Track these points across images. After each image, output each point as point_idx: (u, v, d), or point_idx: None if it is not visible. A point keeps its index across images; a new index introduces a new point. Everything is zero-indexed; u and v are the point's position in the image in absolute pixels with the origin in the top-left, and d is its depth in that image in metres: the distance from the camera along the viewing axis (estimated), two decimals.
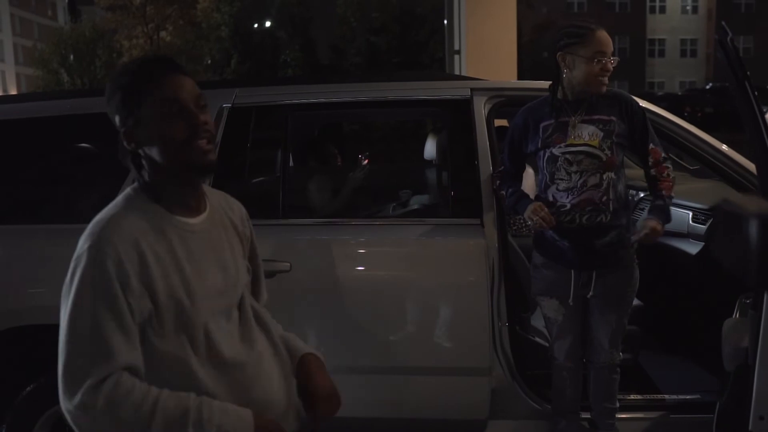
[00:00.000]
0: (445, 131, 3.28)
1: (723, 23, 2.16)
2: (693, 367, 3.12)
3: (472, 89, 2.75)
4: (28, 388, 2.63)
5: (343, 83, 3.10)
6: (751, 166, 2.46)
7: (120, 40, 33.31)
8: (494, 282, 2.55)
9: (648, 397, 2.76)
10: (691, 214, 3.14)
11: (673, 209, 3.26)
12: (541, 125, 2.47)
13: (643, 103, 2.55)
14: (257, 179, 3.05)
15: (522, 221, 3.53)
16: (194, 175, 1.37)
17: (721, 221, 2.37)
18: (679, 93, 27.76)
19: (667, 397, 2.74)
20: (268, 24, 32.52)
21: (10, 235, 2.71)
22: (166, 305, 1.30)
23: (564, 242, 2.47)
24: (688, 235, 3.10)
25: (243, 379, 1.37)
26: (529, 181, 3.31)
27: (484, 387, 2.57)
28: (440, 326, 2.61)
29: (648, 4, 43.64)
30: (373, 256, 2.70)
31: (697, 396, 2.70)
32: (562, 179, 2.43)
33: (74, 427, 1.26)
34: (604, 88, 2.42)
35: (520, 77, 7.43)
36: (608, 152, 2.40)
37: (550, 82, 2.53)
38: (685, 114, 17.85)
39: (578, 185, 2.41)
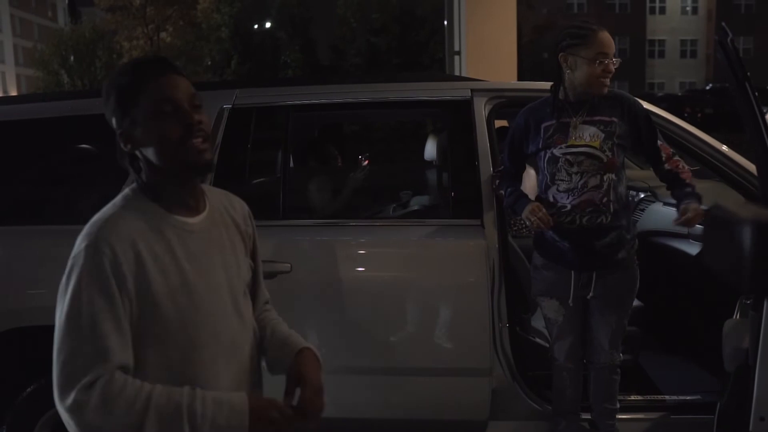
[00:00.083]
0: (445, 132, 3.29)
1: (723, 24, 2.16)
2: (693, 368, 3.12)
3: (472, 90, 2.75)
4: (29, 389, 2.63)
5: (343, 84, 3.11)
6: (752, 167, 2.46)
7: (120, 41, 33.32)
8: (494, 283, 2.55)
9: (648, 397, 2.76)
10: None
11: (673, 210, 3.27)
12: (543, 126, 2.47)
13: (644, 105, 2.55)
14: (258, 180, 3.05)
15: (521, 222, 3.53)
16: (191, 175, 1.37)
17: (712, 227, 2.35)
18: (679, 94, 27.77)
19: (667, 397, 2.74)
20: (268, 25, 32.56)
21: (11, 235, 2.71)
22: (164, 305, 1.30)
23: (564, 243, 2.47)
24: (688, 235, 3.10)
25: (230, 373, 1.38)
26: (530, 182, 3.31)
27: (484, 387, 2.57)
28: (441, 327, 2.61)
29: (648, 4, 43.66)
30: (373, 257, 2.70)
31: (698, 397, 2.69)
32: (562, 180, 2.43)
33: (68, 427, 1.26)
34: (606, 90, 2.42)
35: (520, 78, 7.43)
36: (609, 153, 2.40)
37: (551, 83, 2.53)
38: (685, 115, 17.85)
39: (579, 186, 2.41)
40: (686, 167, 2.50)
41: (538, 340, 2.95)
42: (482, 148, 2.67)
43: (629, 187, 2.78)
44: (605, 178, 2.40)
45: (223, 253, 1.44)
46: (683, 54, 44.88)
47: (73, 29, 32.50)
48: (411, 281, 2.63)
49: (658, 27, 43.93)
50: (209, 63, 31.56)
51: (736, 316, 2.36)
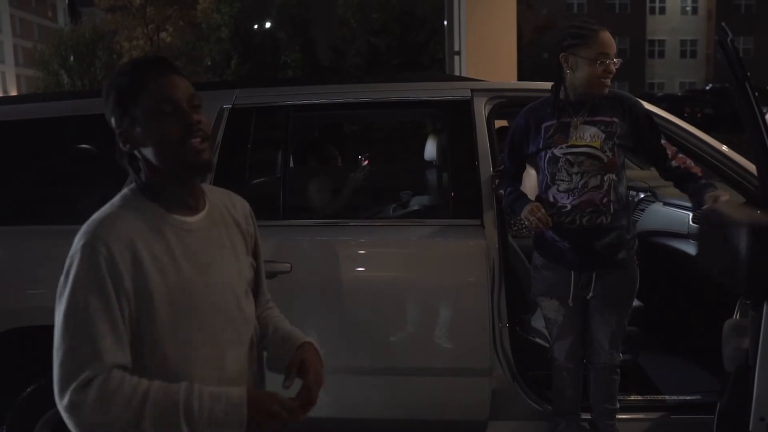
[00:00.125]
0: (445, 132, 3.29)
1: (723, 24, 2.16)
2: (693, 368, 3.12)
3: (472, 90, 2.75)
4: (29, 389, 2.63)
5: (343, 84, 3.11)
6: (751, 167, 2.46)
7: (120, 41, 33.31)
8: (494, 283, 2.55)
9: (648, 397, 2.76)
10: (691, 215, 3.14)
11: (673, 210, 3.28)
12: (543, 126, 2.47)
13: (645, 105, 2.55)
14: (258, 180, 3.05)
15: (521, 222, 3.53)
16: (190, 175, 1.37)
17: (708, 229, 2.34)
18: (679, 94, 27.76)
19: (667, 397, 2.74)
20: (268, 25, 32.56)
21: (10, 235, 2.71)
22: (162, 304, 1.30)
23: (564, 243, 2.47)
24: (688, 235, 3.11)
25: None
26: (531, 182, 3.32)
27: (484, 388, 2.57)
28: (441, 327, 2.61)
29: (648, 4, 43.66)
30: (373, 257, 2.70)
31: (698, 397, 2.70)
32: (563, 180, 2.43)
33: (69, 426, 1.27)
34: (607, 90, 2.42)
35: (520, 78, 7.43)
36: (609, 154, 2.40)
37: (551, 83, 2.53)
38: (685, 115, 17.85)
39: (579, 186, 2.41)
40: (693, 163, 2.51)
41: (538, 340, 2.95)
42: (482, 148, 2.67)
43: (629, 188, 2.78)
44: (606, 178, 2.40)
45: (223, 252, 1.44)
46: (683, 54, 44.88)
47: (73, 29, 32.49)
48: (411, 281, 2.63)
49: (658, 27, 43.93)
50: (209, 63, 31.56)
51: (736, 316, 2.36)
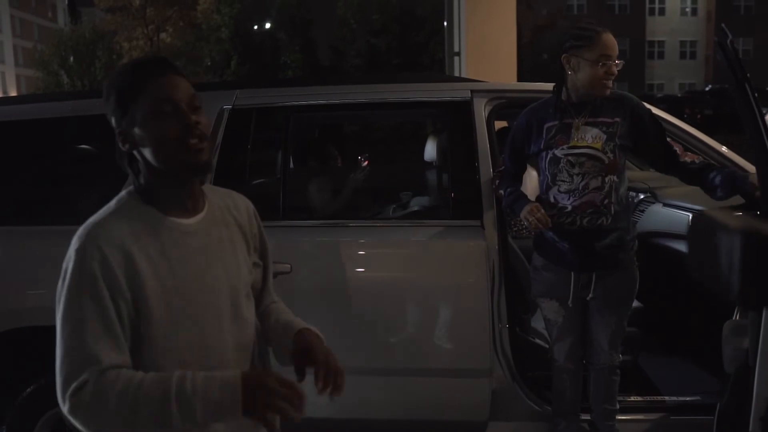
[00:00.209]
0: (445, 133, 3.29)
1: (723, 25, 2.16)
2: (693, 369, 3.12)
3: (472, 91, 2.75)
4: (29, 389, 2.63)
5: (343, 85, 3.11)
6: (752, 168, 2.46)
7: (120, 41, 33.29)
8: (494, 283, 2.55)
9: (648, 398, 2.76)
10: (690, 215, 3.14)
11: (673, 211, 3.28)
12: (545, 126, 2.47)
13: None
14: (258, 180, 3.05)
15: (521, 222, 3.53)
16: (189, 175, 1.37)
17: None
18: (679, 95, 27.76)
19: (667, 398, 2.74)
20: (268, 25, 32.56)
21: (10, 235, 2.71)
22: (157, 307, 1.30)
23: (564, 244, 2.47)
24: (687, 236, 3.10)
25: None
26: (532, 182, 3.32)
27: (484, 388, 2.57)
28: (440, 328, 2.61)
29: (647, 5, 43.66)
30: (373, 258, 2.70)
31: (697, 397, 2.70)
32: (563, 181, 2.43)
33: (78, 427, 1.27)
34: (608, 91, 2.42)
35: (519, 79, 7.42)
36: (611, 155, 2.40)
37: (552, 84, 2.53)
38: (685, 116, 17.83)
39: (580, 187, 2.41)
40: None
41: (537, 340, 2.95)
42: (482, 148, 2.67)
43: (629, 188, 2.78)
44: (607, 179, 2.40)
45: (222, 253, 1.43)
46: (683, 55, 44.88)
47: (73, 30, 32.46)
48: (411, 282, 2.63)
49: (657, 28, 43.94)
50: (209, 64, 31.56)
51: (736, 316, 2.36)
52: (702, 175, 2.46)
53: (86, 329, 1.23)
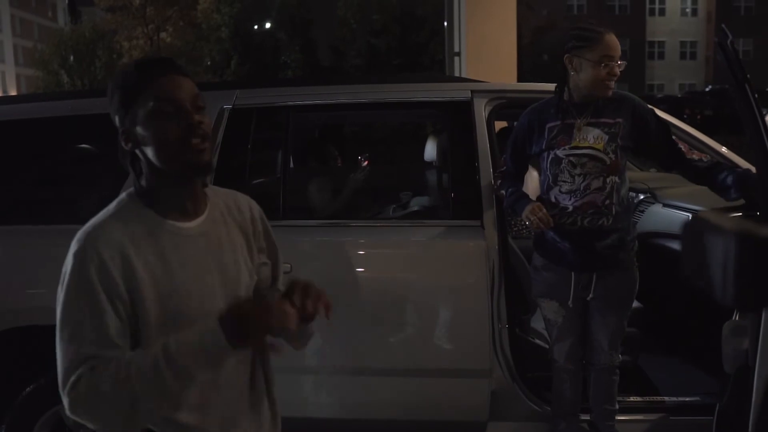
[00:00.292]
0: (445, 133, 3.29)
1: (723, 26, 2.16)
2: (693, 369, 3.12)
3: (472, 91, 2.75)
4: (28, 389, 2.63)
5: (343, 85, 3.11)
6: (751, 169, 2.46)
7: (120, 41, 33.30)
8: (494, 284, 2.55)
9: (648, 399, 2.76)
10: (690, 216, 3.14)
11: (672, 211, 3.28)
12: (547, 126, 2.47)
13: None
14: (258, 180, 3.05)
15: (522, 222, 3.53)
16: (191, 175, 1.36)
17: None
18: (679, 95, 27.75)
19: (666, 399, 2.74)
20: (268, 25, 32.55)
21: (10, 235, 2.71)
22: (155, 310, 1.29)
23: (565, 244, 2.47)
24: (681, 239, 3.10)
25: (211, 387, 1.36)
26: (533, 183, 3.31)
27: (484, 389, 2.57)
28: (440, 328, 2.61)
29: (648, 6, 43.68)
30: (373, 258, 2.70)
31: (697, 398, 2.70)
32: (565, 181, 2.43)
33: (86, 424, 1.27)
34: (610, 92, 2.42)
35: (520, 79, 7.43)
36: (612, 156, 2.40)
37: (552, 84, 2.53)
38: (685, 116, 17.83)
39: (581, 188, 2.41)
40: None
41: (537, 341, 2.95)
42: (482, 149, 2.67)
43: (629, 189, 2.78)
44: (608, 180, 2.40)
45: (222, 255, 1.42)
46: (683, 56, 44.90)
47: (73, 29, 32.50)
48: (411, 282, 2.63)
49: (657, 28, 43.95)
50: (209, 63, 31.55)
51: (736, 317, 2.36)
52: (710, 174, 2.43)
53: (83, 331, 1.24)
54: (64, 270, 1.29)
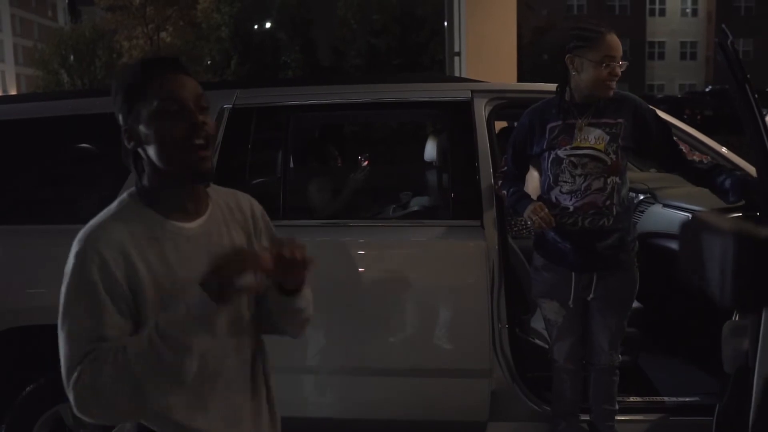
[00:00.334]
0: (445, 133, 3.29)
1: (723, 26, 2.16)
2: (692, 370, 3.12)
3: (472, 91, 2.75)
4: (28, 389, 2.63)
5: (343, 84, 3.11)
6: (752, 169, 2.47)
7: (120, 40, 33.32)
8: (494, 284, 2.55)
9: (647, 399, 2.76)
10: (690, 216, 3.14)
11: (672, 211, 3.28)
12: (548, 126, 2.47)
13: None
14: (258, 180, 3.05)
15: (522, 222, 3.53)
16: (191, 181, 1.36)
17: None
18: (679, 95, 27.74)
19: (666, 399, 2.74)
20: (268, 25, 32.56)
21: (10, 235, 2.71)
22: (155, 310, 1.30)
23: (565, 244, 2.47)
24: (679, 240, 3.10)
25: (210, 389, 1.36)
26: (533, 183, 3.31)
27: (483, 389, 2.57)
28: (440, 328, 2.61)
29: (648, 6, 43.69)
30: (373, 258, 2.70)
31: (697, 398, 2.70)
32: (565, 182, 2.43)
33: (95, 421, 1.26)
34: (612, 92, 2.42)
35: (520, 79, 7.43)
36: (613, 156, 2.40)
37: (552, 84, 2.53)
38: (685, 117, 17.81)
39: (582, 188, 2.41)
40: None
41: (537, 341, 2.95)
42: (482, 149, 2.67)
43: (629, 189, 2.78)
44: (609, 181, 2.40)
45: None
46: (683, 56, 44.90)
47: (73, 28, 32.53)
48: (411, 282, 2.63)
49: (658, 29, 43.96)
50: (209, 63, 31.57)
51: (736, 317, 2.36)
52: (710, 176, 2.44)
53: (84, 331, 1.24)
54: (65, 270, 1.29)
